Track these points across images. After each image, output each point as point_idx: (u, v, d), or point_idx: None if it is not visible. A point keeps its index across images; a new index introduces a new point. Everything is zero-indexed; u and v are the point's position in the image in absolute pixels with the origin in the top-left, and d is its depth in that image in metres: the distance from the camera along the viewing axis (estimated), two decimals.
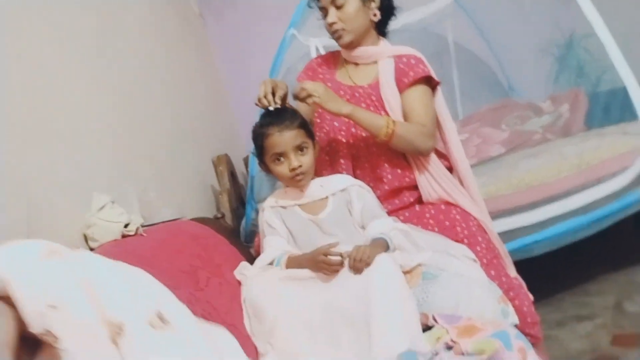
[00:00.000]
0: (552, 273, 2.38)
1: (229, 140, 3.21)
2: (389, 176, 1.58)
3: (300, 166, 1.37)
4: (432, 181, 1.57)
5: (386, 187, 1.58)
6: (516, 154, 2.48)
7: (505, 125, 2.87)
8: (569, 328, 2.11)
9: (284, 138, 1.35)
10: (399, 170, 1.58)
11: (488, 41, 3.58)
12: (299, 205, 1.43)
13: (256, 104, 1.42)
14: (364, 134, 1.56)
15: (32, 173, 1.04)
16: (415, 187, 1.61)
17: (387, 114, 1.54)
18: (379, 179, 1.58)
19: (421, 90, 1.55)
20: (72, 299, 0.67)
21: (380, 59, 1.58)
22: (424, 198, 1.60)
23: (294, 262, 1.31)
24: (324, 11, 1.56)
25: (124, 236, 1.15)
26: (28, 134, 1.06)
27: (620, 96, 2.42)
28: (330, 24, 1.54)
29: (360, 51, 1.59)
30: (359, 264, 1.21)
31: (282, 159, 1.38)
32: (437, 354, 1.07)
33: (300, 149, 1.38)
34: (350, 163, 1.60)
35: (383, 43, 1.62)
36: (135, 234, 1.17)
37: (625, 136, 2.17)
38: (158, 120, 1.99)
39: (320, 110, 1.59)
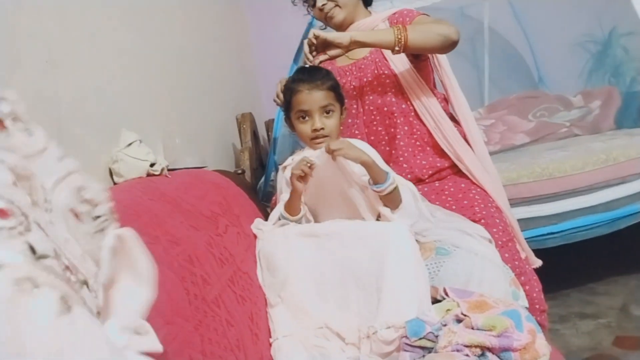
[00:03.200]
0: (561, 268, 2.37)
1: (253, 100, 3.21)
2: (401, 133, 1.57)
3: (322, 128, 1.36)
4: (445, 141, 1.56)
5: (401, 145, 1.57)
6: (541, 144, 2.45)
7: (532, 116, 2.83)
8: (571, 324, 2.12)
9: (312, 97, 1.35)
10: (406, 128, 1.57)
11: (524, 29, 3.50)
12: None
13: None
14: (374, 95, 1.55)
15: (62, 102, 1.04)
16: (434, 156, 1.59)
17: (392, 72, 1.54)
18: (392, 138, 1.58)
19: (422, 17, 1.52)
20: None
21: (376, 27, 1.58)
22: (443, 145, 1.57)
23: (288, 202, 1.34)
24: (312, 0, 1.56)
25: (148, 175, 1.15)
26: (61, 67, 1.06)
27: None
28: (321, 8, 1.54)
29: (356, 26, 1.59)
30: (331, 146, 1.23)
31: (306, 117, 1.37)
32: (445, 324, 1.08)
33: (326, 110, 1.37)
34: (364, 130, 1.61)
35: (374, 13, 1.64)
36: (160, 174, 1.17)
37: None
38: (187, 71, 1.98)
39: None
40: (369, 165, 1.28)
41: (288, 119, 1.45)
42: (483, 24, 3.43)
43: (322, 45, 1.41)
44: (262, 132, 2.93)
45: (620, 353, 1.87)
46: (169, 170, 1.24)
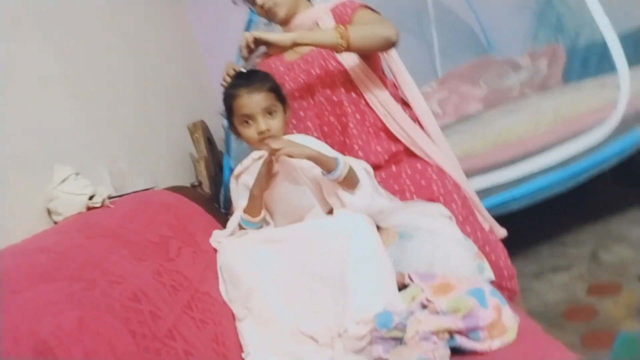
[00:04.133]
0: (529, 225, 2.41)
1: (205, 106, 3.13)
2: (352, 122, 1.56)
3: (268, 130, 1.34)
4: (397, 126, 1.55)
5: (354, 133, 1.56)
6: (494, 110, 2.47)
7: (484, 82, 2.85)
8: (546, 279, 2.16)
9: (253, 100, 1.33)
10: (358, 116, 1.56)
11: None
12: None
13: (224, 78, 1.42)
14: (322, 87, 1.54)
15: None
16: (388, 141, 1.59)
17: (339, 64, 1.53)
18: (345, 127, 1.57)
19: (364, 12, 1.53)
20: None
21: (319, 19, 1.57)
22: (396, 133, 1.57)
23: (248, 205, 1.33)
24: None
25: (89, 209, 1.11)
26: None
27: (599, 50, 2.40)
28: (261, 5, 1.52)
29: (299, 19, 1.57)
30: (273, 146, 1.23)
31: (250, 122, 1.35)
32: (412, 313, 1.07)
33: (269, 112, 1.35)
34: (317, 121, 1.59)
35: (316, 4, 1.62)
36: (102, 205, 1.13)
37: (602, 89, 2.16)
38: (126, 88, 1.90)
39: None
40: (315, 158, 1.27)
41: (232, 126, 1.42)
42: None
43: (263, 45, 1.42)
44: (219, 135, 2.88)
45: (594, 300, 1.91)
46: (112, 198, 1.19)
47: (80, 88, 1.48)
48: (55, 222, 1.09)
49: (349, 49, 1.41)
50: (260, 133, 1.34)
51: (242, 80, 1.36)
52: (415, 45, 3.38)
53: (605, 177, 2.50)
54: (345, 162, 1.31)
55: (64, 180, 1.09)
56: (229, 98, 1.37)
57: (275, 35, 1.42)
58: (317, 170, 1.31)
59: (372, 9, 1.55)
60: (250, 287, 1.20)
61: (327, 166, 1.28)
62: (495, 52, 3.43)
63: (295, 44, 1.41)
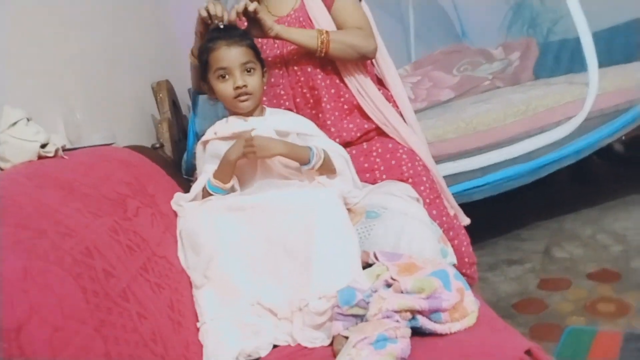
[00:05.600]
0: (488, 218, 2.45)
1: (171, 67, 3.00)
2: (326, 96, 1.53)
3: (245, 86, 1.28)
4: (372, 105, 1.54)
5: (328, 108, 1.53)
6: (465, 99, 2.48)
7: (457, 71, 2.85)
8: (500, 271, 2.21)
9: (231, 53, 1.28)
10: (332, 91, 1.53)
11: None
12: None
13: (203, 19, 1.35)
14: (298, 56, 1.51)
15: None
16: (361, 118, 1.56)
17: None
18: (318, 101, 1.54)
19: (349, 7, 1.51)
20: None
21: None
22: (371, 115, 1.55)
23: (218, 171, 1.29)
24: None
25: (40, 158, 1.02)
26: None
27: (571, 47, 2.45)
28: None
29: None
30: (248, 149, 1.23)
31: (227, 76, 1.29)
32: (376, 291, 1.05)
33: (247, 69, 1.30)
34: (290, 91, 1.55)
35: None
36: (55, 155, 1.04)
37: (571, 86, 2.19)
38: (90, 35, 1.78)
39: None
40: (286, 155, 1.28)
41: (206, 82, 1.35)
42: None
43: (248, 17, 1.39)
44: (185, 101, 2.77)
45: (545, 294, 1.97)
46: (66, 150, 1.11)
47: (41, 29, 1.37)
48: (1, 169, 1.00)
49: (325, 56, 1.45)
50: (237, 88, 1.28)
51: (221, 34, 1.31)
52: (392, 26, 3.35)
53: (563, 175, 2.57)
54: (320, 152, 1.29)
55: (13, 124, 1.00)
56: (206, 51, 1.31)
57: (268, 20, 1.40)
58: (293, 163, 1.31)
59: None
60: (211, 254, 1.15)
61: (301, 159, 1.29)
62: (468, 41, 3.44)
63: (278, 37, 1.42)
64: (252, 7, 1.36)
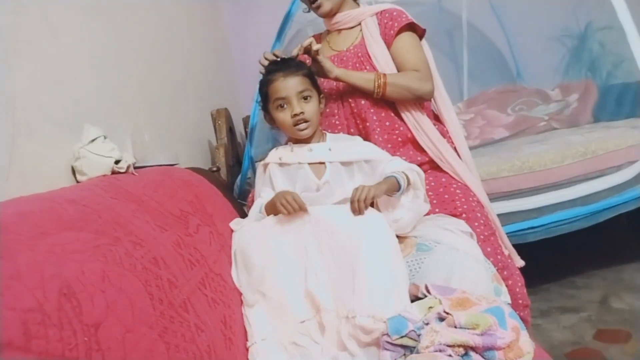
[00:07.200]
0: (541, 262, 2.37)
1: (229, 96, 3.13)
2: (378, 129, 1.55)
3: (302, 112, 1.32)
4: (426, 139, 1.55)
5: (380, 140, 1.55)
6: (520, 138, 2.44)
7: (511, 110, 2.82)
8: (553, 318, 2.11)
9: (288, 83, 1.33)
10: (387, 123, 1.56)
11: (501, 24, 3.51)
12: (308, 164, 1.37)
13: (260, 62, 1.42)
14: (354, 88, 1.54)
15: (19, 94, 0.97)
16: (414, 151, 1.57)
17: (374, 69, 1.54)
18: (371, 133, 1.55)
19: (408, 37, 1.55)
20: None
21: (362, 20, 1.58)
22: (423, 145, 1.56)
23: (269, 204, 1.30)
24: None
25: (113, 173, 1.09)
26: (19, 59, 0.99)
27: (633, 90, 2.38)
28: None
29: (343, 15, 1.59)
30: (357, 204, 1.21)
31: (285, 105, 1.34)
32: (427, 323, 1.04)
33: (304, 96, 1.34)
34: (344, 122, 1.59)
35: (362, 5, 1.64)
36: (126, 171, 1.11)
37: (633, 130, 2.13)
38: (159, 64, 1.91)
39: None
40: (386, 192, 1.29)
41: (267, 112, 1.41)
42: (461, 18, 3.42)
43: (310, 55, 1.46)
44: (239, 128, 2.87)
45: (602, 346, 1.86)
46: (136, 167, 1.17)
47: (116, 57, 1.48)
48: (78, 182, 1.06)
49: (382, 97, 1.50)
50: (295, 116, 1.32)
51: (279, 66, 1.37)
52: (445, 64, 3.36)
53: (622, 222, 2.46)
54: (405, 178, 1.32)
55: (92, 141, 1.08)
56: (265, 84, 1.37)
57: (328, 63, 1.47)
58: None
59: (416, 28, 1.56)
60: (262, 269, 1.17)
61: (392, 191, 1.31)
62: (523, 82, 3.41)
63: (337, 79, 1.49)
64: (316, 47, 1.42)
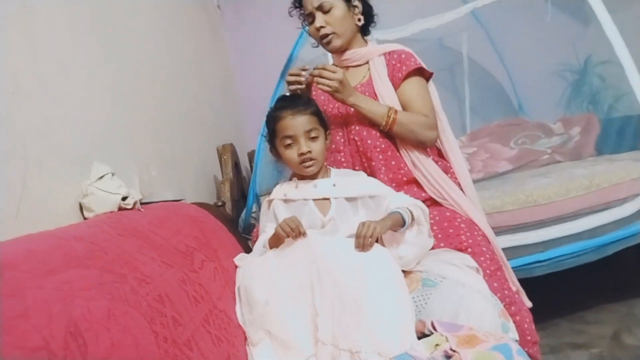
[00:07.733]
0: (550, 297, 2.33)
1: (235, 132, 3.18)
2: (383, 168, 1.55)
3: (309, 151, 1.34)
4: (425, 178, 1.55)
5: (385, 179, 1.54)
6: (524, 172, 2.45)
7: (514, 143, 2.84)
8: (563, 355, 2.06)
9: (296, 122, 1.34)
10: (393, 162, 1.56)
11: (502, 59, 3.58)
12: (313, 200, 1.38)
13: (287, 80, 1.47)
14: (359, 127, 1.55)
15: (30, 132, 1.00)
16: (418, 188, 1.57)
17: None
18: (376, 172, 1.56)
19: (416, 81, 1.56)
20: None
21: (370, 59, 1.60)
22: (425, 187, 1.56)
23: (272, 239, 1.30)
24: (310, 17, 1.56)
25: (120, 209, 1.10)
26: (29, 98, 1.02)
27: (634, 123, 2.40)
28: (319, 28, 1.55)
29: (352, 53, 1.61)
30: (362, 240, 1.20)
31: (292, 143, 1.35)
32: None
33: (311, 135, 1.36)
34: (349, 159, 1.59)
35: (371, 43, 1.66)
36: (133, 208, 1.12)
37: (636, 162, 2.13)
38: (165, 101, 1.95)
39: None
40: (391, 227, 1.29)
41: (273, 147, 1.42)
42: (462, 54, 3.49)
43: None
44: (244, 163, 2.90)
45: None
46: (143, 203, 1.19)
47: (125, 96, 1.52)
48: (85, 218, 1.08)
49: (389, 131, 1.51)
50: (302, 154, 1.34)
51: (286, 103, 1.39)
52: (447, 99, 3.39)
53: (632, 255, 2.43)
54: (409, 213, 1.32)
55: (100, 178, 1.09)
56: (273, 120, 1.38)
57: (341, 95, 1.48)
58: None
59: (424, 73, 1.57)
60: (265, 302, 1.16)
61: (397, 226, 1.31)
62: (525, 116, 3.44)
63: (353, 106, 1.50)
64: (340, 74, 1.44)
